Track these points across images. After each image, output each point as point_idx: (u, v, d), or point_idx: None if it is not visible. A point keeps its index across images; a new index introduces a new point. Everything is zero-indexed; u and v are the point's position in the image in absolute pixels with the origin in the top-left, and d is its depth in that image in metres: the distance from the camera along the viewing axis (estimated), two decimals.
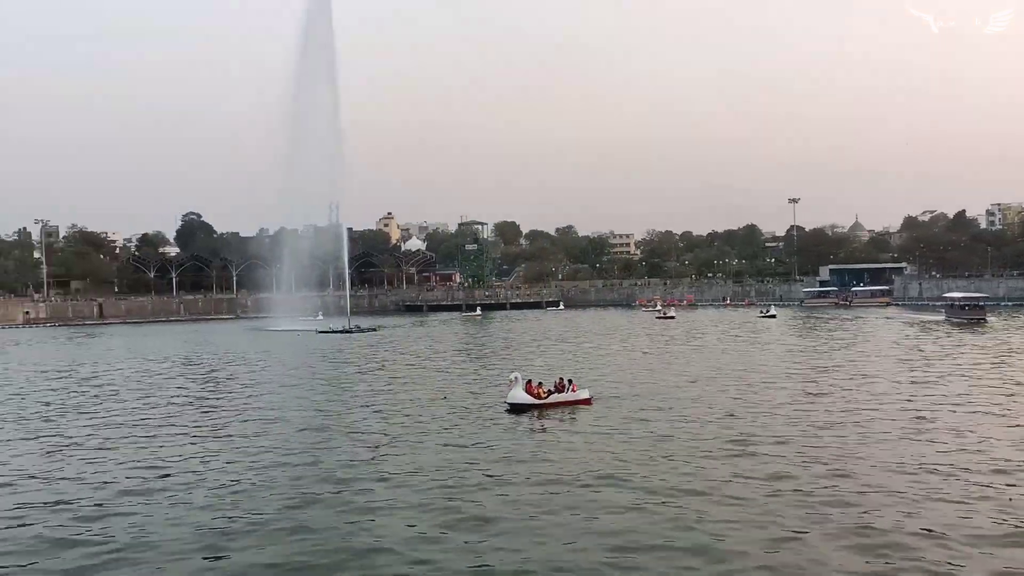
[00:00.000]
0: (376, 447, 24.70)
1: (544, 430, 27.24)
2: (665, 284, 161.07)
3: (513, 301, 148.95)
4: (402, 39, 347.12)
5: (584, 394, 31.87)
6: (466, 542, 15.76)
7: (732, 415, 28.49)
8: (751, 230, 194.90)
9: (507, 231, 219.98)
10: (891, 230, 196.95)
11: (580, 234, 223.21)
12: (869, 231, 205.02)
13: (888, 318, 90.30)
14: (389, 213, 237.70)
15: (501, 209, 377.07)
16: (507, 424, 28.48)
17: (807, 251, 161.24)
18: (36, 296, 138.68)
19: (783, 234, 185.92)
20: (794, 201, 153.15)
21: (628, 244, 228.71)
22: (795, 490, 18.62)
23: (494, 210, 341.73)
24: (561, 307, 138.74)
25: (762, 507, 17.42)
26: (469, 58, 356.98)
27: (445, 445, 24.62)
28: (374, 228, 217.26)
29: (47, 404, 35.77)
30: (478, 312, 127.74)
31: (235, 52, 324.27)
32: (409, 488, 19.67)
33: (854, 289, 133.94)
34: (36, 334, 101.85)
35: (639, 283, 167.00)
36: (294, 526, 16.79)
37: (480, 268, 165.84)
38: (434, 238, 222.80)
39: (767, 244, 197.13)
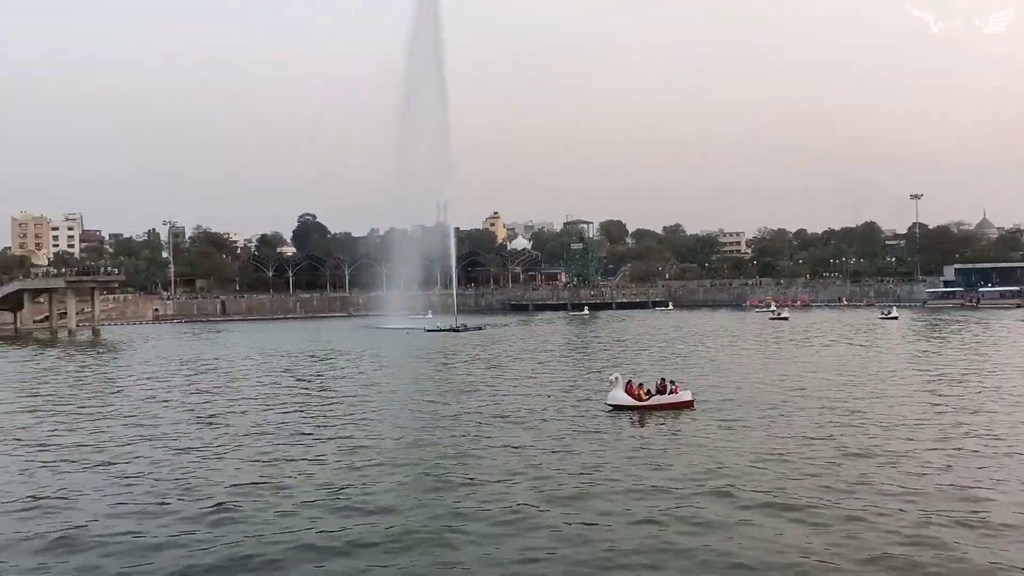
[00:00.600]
0: (466, 447, 24.80)
1: (643, 434, 26.73)
2: (779, 284, 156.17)
3: (619, 301, 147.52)
4: (506, 38, 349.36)
5: (686, 396, 31.04)
6: (554, 554, 15.34)
7: (849, 425, 26.95)
8: (870, 227, 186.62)
9: (613, 230, 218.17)
10: (1023, 227, 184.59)
11: (688, 232, 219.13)
12: (998, 228, 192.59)
13: (1021, 320, 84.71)
14: (495, 213, 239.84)
15: (607, 208, 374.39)
16: (606, 426, 28.08)
17: (930, 249, 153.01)
18: (164, 294, 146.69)
19: (904, 231, 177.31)
20: (916, 197, 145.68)
21: (738, 243, 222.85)
22: (923, 512, 17.21)
23: (599, 209, 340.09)
24: (670, 307, 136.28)
25: (877, 528, 16.26)
26: (572, 58, 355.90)
27: (541, 449, 24.32)
28: (480, 228, 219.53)
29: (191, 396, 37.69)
30: (585, 311, 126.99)
31: (348, 57, 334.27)
32: (499, 494, 19.48)
33: (982, 290, 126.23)
34: (165, 330, 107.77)
35: (750, 283, 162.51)
36: (384, 523, 16.98)
37: (585, 267, 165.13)
38: (540, 237, 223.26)
39: (887, 242, 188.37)
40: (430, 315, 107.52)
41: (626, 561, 14.76)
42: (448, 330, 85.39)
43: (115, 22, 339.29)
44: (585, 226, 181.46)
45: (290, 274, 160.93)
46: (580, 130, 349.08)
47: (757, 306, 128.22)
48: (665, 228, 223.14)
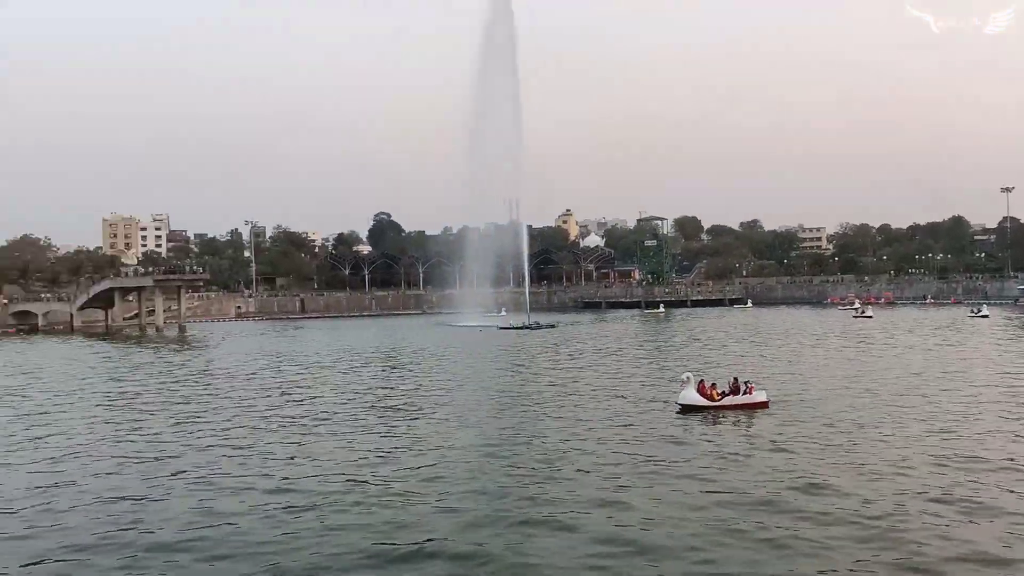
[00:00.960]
0: (536, 445, 24.67)
1: (714, 435, 26.10)
2: (861, 281, 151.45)
3: (694, 298, 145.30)
4: (580, 33, 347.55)
5: (761, 396, 30.17)
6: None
7: (936, 430, 25.58)
8: (957, 222, 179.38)
9: (688, 226, 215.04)
10: None
11: (766, 228, 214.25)
12: None
13: None
14: (568, 210, 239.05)
15: (681, 204, 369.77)
16: (676, 426, 27.60)
17: (1022, 244, 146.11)
18: (246, 292, 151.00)
19: (994, 226, 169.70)
20: (1007, 190, 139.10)
21: (819, 238, 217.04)
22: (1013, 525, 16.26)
23: (674, 205, 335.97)
24: (748, 305, 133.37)
25: (966, 542, 15.39)
26: (640, 52, 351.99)
27: (608, 449, 23.93)
28: (553, 225, 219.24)
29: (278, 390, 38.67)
30: (661, 309, 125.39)
31: (423, 59, 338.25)
32: (568, 492, 19.25)
33: None
34: (247, 327, 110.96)
35: (831, 280, 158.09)
36: (466, 516, 16.97)
37: (660, 264, 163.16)
38: (612, 234, 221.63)
39: (976, 237, 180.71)
40: (504, 313, 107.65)
41: (701, 570, 14.39)
42: (521, 328, 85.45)
43: (201, 28, 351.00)
44: (659, 223, 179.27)
45: (366, 272, 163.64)
46: (653, 126, 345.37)
47: (839, 304, 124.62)
48: (742, 224, 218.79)
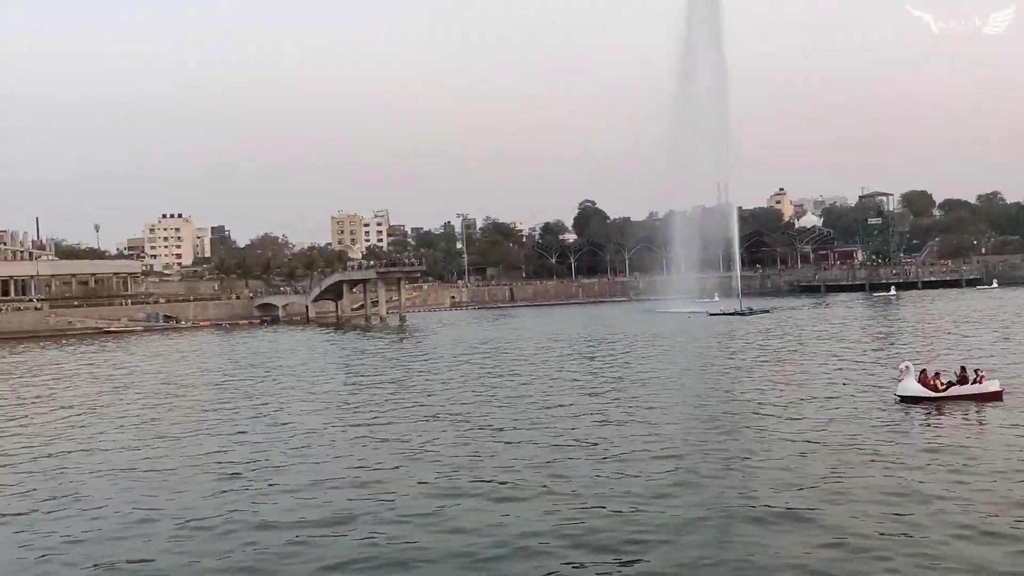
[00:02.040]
0: (746, 434, 23.61)
1: (937, 428, 23.77)
2: None
3: (925, 279, 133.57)
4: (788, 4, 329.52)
5: (993, 386, 27.04)
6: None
7: None
8: None
9: (916, 201, 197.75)
10: None
11: (1008, 201, 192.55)
12: None
13: None
14: (781, 189, 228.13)
15: (908, 177, 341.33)
16: (895, 418, 25.37)
17: None
18: (459, 282, 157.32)
19: None
20: None
21: None
22: None
23: (900, 179, 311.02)
24: (994, 285, 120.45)
25: None
26: (859, 13, 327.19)
27: (821, 441, 22.43)
28: (765, 206, 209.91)
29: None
30: (892, 292, 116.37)
31: (623, 37, 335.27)
32: (780, 485, 18.16)
33: None
34: (461, 316, 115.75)
35: None
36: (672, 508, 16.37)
37: (885, 244, 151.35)
38: (831, 213, 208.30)
39: None
40: (717, 298, 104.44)
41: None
42: (733, 314, 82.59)
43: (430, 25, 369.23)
44: (884, 198, 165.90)
45: (572, 260, 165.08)
46: (874, 92, 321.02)
47: None
48: (979, 197, 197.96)
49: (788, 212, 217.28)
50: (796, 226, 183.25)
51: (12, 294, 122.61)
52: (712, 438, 23.73)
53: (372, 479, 20.74)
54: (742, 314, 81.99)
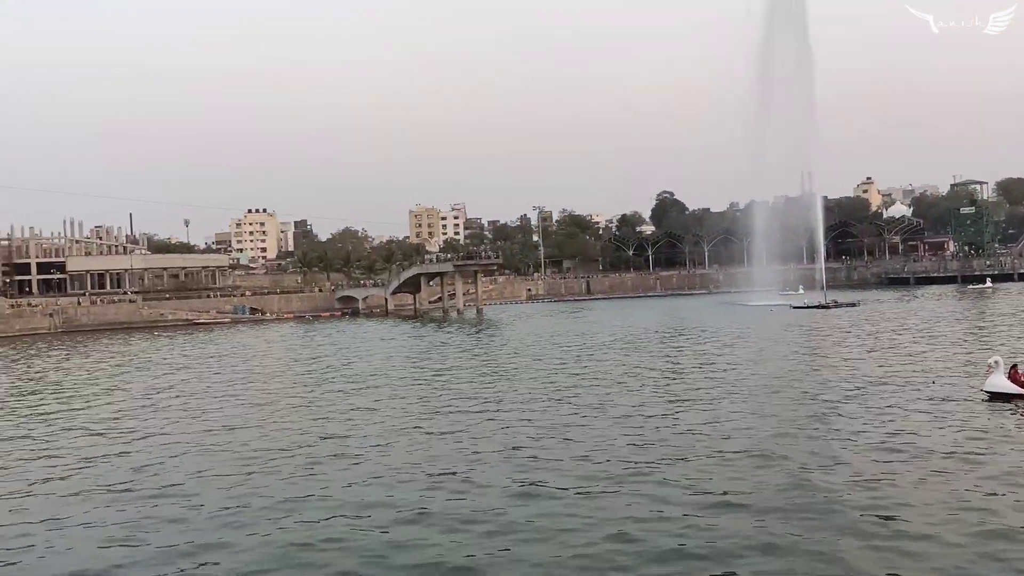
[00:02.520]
0: (822, 433, 22.87)
1: None
2: None
3: (1022, 271, 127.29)
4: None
5: None
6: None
7: None
8: None
9: (1012, 189, 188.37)
10: None
11: None
12: None
13: None
14: (868, 178, 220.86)
15: (1005, 164, 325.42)
16: (983, 417, 24.29)
17: None
18: (535, 275, 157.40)
19: None
20: None
21: None
22: None
23: (995, 166, 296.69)
24: None
25: None
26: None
27: (902, 440, 21.60)
28: (851, 195, 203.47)
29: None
30: (988, 284, 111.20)
31: (700, 26, 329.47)
32: (866, 485, 17.52)
33: None
34: (537, 308, 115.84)
35: None
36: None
37: (978, 234, 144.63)
38: (921, 203, 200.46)
39: None
40: (801, 291, 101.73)
41: None
42: (816, 307, 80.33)
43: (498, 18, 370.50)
44: (977, 187, 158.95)
45: (649, 252, 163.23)
46: (961, 82, 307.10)
47: None
48: None
49: (876, 201, 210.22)
50: (884, 216, 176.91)
51: (108, 287, 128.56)
52: (793, 437, 23.15)
53: (463, 472, 20.93)
54: (826, 307, 79.70)
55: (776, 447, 21.80)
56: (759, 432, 23.81)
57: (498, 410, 29.84)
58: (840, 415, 25.85)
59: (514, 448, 23.12)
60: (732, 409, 27.80)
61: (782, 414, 26.60)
